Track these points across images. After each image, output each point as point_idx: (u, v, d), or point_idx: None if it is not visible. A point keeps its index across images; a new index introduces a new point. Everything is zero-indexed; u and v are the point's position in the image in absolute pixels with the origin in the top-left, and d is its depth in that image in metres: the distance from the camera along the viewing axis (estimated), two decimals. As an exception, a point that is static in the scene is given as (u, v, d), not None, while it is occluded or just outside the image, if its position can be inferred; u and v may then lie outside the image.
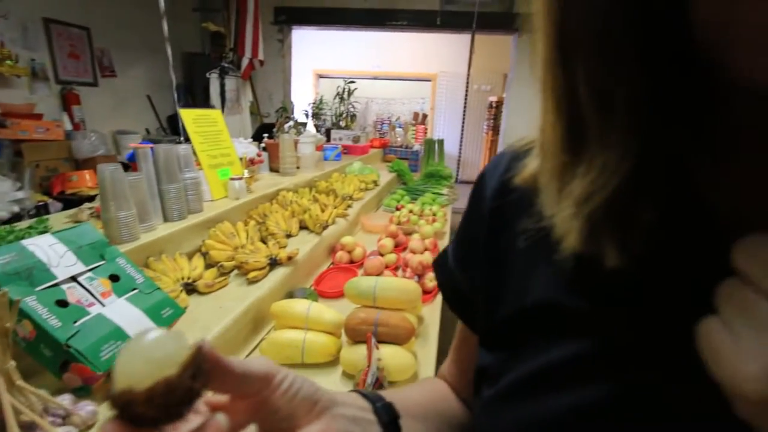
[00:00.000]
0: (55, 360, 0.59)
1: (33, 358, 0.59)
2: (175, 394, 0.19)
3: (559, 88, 0.20)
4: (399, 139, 3.98)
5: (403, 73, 6.39)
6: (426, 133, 6.05)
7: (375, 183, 2.26)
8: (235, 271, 1.05)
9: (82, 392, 0.59)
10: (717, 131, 0.20)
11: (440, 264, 0.40)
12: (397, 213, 1.83)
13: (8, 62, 2.78)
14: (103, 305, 0.68)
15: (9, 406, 0.47)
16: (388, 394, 0.34)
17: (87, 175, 2.69)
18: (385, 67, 6.35)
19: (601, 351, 0.23)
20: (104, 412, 0.57)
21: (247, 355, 0.86)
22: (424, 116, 6.35)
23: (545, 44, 0.20)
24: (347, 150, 2.94)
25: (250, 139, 2.15)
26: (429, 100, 6.54)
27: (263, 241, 1.21)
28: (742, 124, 0.19)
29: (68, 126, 3.21)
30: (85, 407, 0.56)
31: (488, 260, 0.32)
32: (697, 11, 0.16)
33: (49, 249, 0.67)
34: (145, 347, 0.20)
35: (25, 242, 0.65)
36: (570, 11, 0.19)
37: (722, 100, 0.19)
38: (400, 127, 4.22)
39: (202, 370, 0.20)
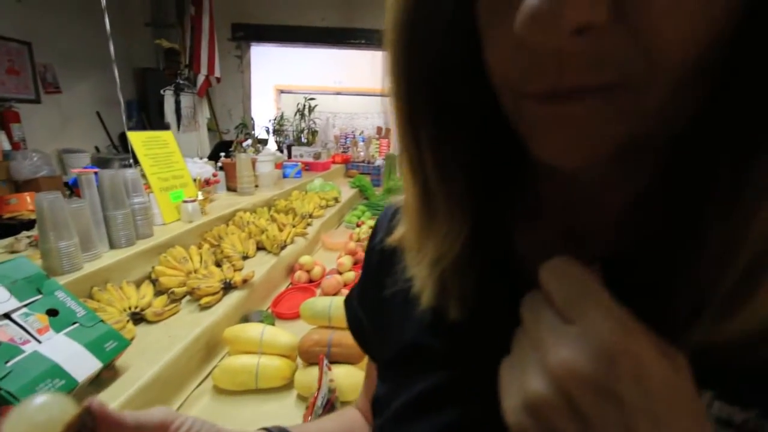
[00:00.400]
0: (-16, 405, 0.56)
1: (-42, 404, 0.56)
2: None
3: (412, 158, 0.23)
4: (361, 153, 4.01)
5: (364, 89, 6.47)
6: (389, 147, 6.15)
7: (336, 200, 2.27)
8: (188, 298, 1.03)
9: (14, 437, 0.56)
10: (529, 199, 0.24)
11: (348, 302, 0.42)
12: (357, 230, 1.84)
13: (-64, 79, 2.58)
14: (40, 342, 0.65)
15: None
16: (297, 429, 0.36)
17: (28, 197, 2.51)
18: (347, 83, 6.40)
19: (451, 383, 0.27)
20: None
21: (199, 384, 0.84)
22: (388, 130, 6.45)
23: (398, 116, 0.23)
24: (308, 167, 2.94)
25: (206, 159, 2.11)
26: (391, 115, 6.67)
27: (218, 264, 1.19)
28: (543, 194, 0.24)
29: (6, 146, 3.00)
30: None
31: (376, 305, 0.35)
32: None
33: (-22, 286, 0.64)
34: (29, 412, 0.22)
35: (-50, 280, 0.62)
36: (414, 89, 0.22)
37: (531, 173, 0.23)
38: (362, 141, 4.26)
39: (87, 427, 0.23)
